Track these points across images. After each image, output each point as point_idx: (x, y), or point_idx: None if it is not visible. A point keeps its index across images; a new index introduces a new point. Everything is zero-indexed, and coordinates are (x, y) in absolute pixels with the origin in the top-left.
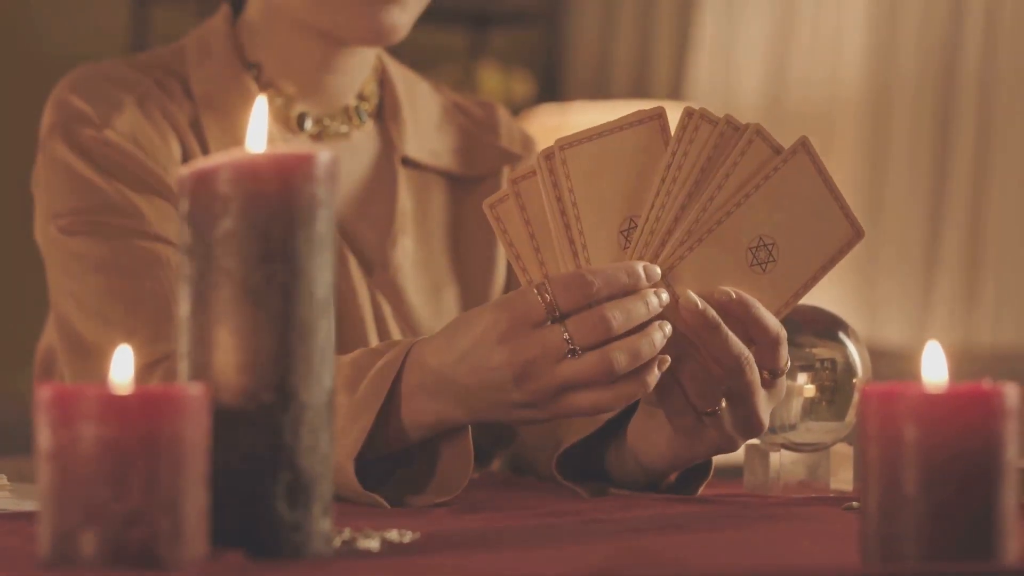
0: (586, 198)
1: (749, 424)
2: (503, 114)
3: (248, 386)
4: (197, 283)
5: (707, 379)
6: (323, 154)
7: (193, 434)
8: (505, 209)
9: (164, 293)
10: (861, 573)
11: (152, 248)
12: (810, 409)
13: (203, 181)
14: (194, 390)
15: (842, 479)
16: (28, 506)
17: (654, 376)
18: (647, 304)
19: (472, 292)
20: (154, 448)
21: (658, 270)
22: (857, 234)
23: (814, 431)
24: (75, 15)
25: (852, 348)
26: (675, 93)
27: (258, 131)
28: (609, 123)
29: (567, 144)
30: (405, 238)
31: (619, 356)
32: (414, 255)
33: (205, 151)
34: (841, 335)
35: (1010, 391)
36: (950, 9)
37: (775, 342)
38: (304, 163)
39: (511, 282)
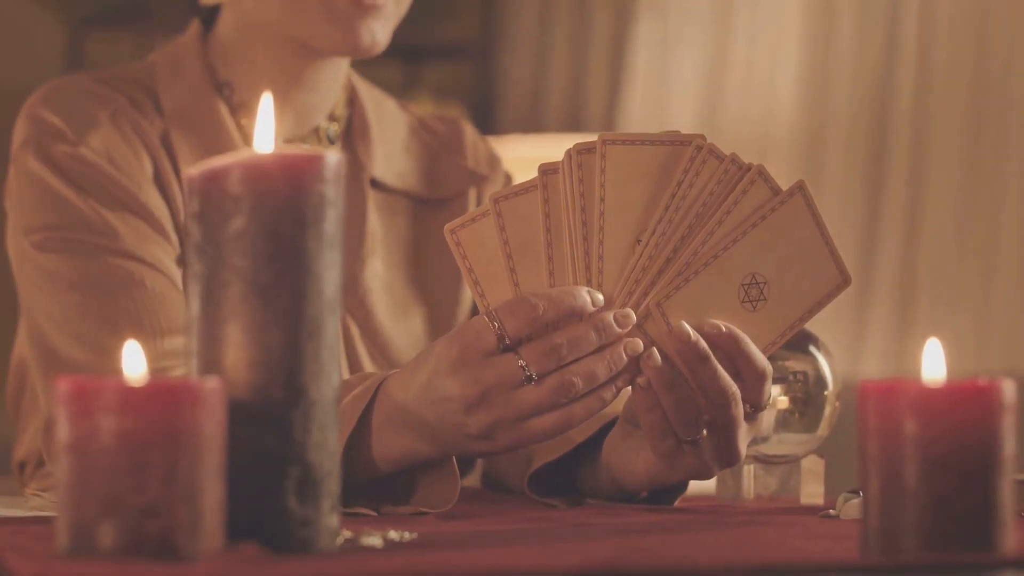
0: (613, 199)
1: (727, 454)
2: (469, 131)
3: (258, 382)
4: (207, 281)
5: (691, 409)
6: (331, 155)
7: (210, 426)
8: (467, 233)
9: (139, 312)
10: (863, 565)
11: (126, 266)
12: (783, 421)
13: (214, 181)
14: (211, 383)
15: (812, 493)
16: (17, 513)
17: (611, 392)
18: (597, 330)
19: (439, 314)
20: (173, 440)
21: (630, 313)
22: (845, 280)
23: (786, 443)
24: (9, 43)
25: (823, 361)
26: (608, 127)
27: (266, 131)
28: (650, 134)
29: (611, 140)
30: (374, 260)
31: (576, 380)
32: (383, 277)
33: (175, 167)
34: (812, 348)
35: (1007, 386)
36: (883, 47)
37: (761, 378)
38: (313, 163)
39: (476, 309)
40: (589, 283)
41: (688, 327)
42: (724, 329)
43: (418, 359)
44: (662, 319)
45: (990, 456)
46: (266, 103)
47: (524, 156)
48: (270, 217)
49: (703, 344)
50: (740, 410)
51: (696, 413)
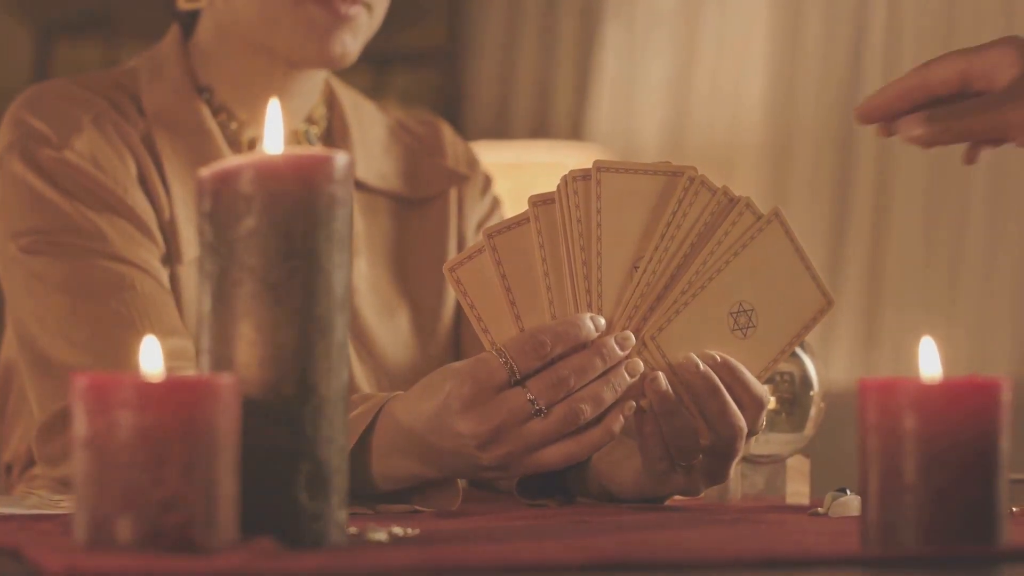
0: (610, 225)
1: (717, 476)
2: (447, 131)
3: (270, 380)
4: (219, 280)
5: (690, 436)
6: (341, 156)
7: (227, 421)
8: (466, 271)
9: (131, 314)
10: (864, 558)
11: (115, 269)
12: (770, 421)
13: (226, 181)
14: (226, 379)
15: (797, 492)
16: (16, 511)
17: (619, 423)
18: (602, 356)
19: (424, 314)
20: (191, 435)
21: (631, 335)
22: (828, 303)
23: (773, 443)
24: None
25: (808, 362)
26: (575, 134)
27: (275, 132)
28: (643, 164)
29: (605, 167)
30: (359, 260)
31: (584, 407)
32: (367, 277)
33: (159, 167)
34: (798, 349)
35: (1004, 383)
36: (850, 55)
37: (759, 405)
38: (323, 164)
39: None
40: (590, 308)
41: (695, 357)
42: (719, 359)
43: (425, 387)
44: (657, 351)
45: (988, 451)
46: (273, 107)
47: (491, 162)
48: (281, 216)
49: (712, 375)
50: (743, 443)
51: (694, 440)
